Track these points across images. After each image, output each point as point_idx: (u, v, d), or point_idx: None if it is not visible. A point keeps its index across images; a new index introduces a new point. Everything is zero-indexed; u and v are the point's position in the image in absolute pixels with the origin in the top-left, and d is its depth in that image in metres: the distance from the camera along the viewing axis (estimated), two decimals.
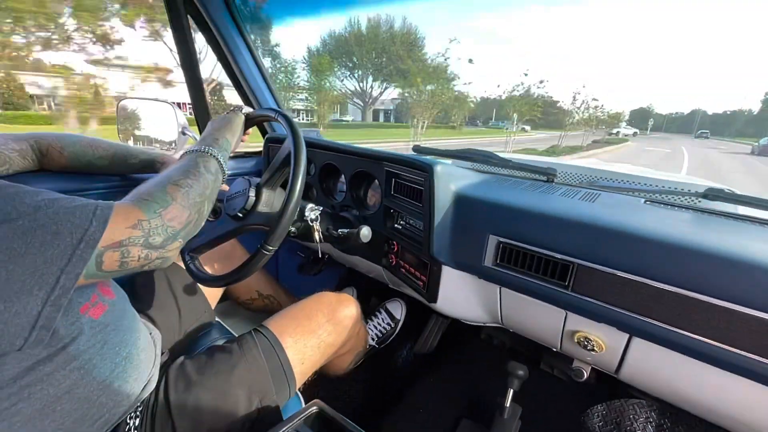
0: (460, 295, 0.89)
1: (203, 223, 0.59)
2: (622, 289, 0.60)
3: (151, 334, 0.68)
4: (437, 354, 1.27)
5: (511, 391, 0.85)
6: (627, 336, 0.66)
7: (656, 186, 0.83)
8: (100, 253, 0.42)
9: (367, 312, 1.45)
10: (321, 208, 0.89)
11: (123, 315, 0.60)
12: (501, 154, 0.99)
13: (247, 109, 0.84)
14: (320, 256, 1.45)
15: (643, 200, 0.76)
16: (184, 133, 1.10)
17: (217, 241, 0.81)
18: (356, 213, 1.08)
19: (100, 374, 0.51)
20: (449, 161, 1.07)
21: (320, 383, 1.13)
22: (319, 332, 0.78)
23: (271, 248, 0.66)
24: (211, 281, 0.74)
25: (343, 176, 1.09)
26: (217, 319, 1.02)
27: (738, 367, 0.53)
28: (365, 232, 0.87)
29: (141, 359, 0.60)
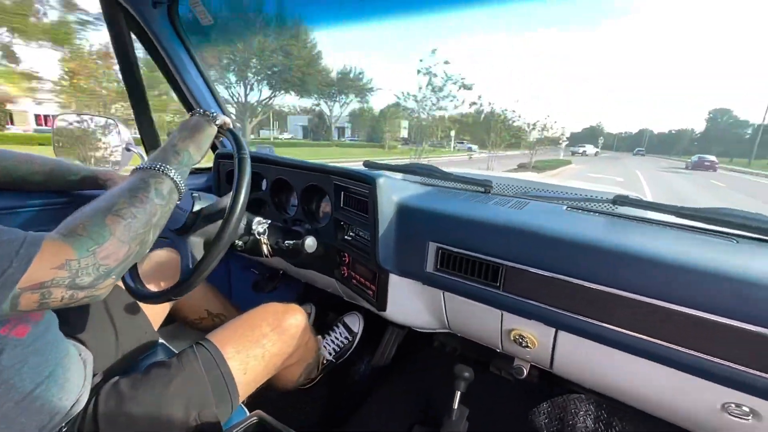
0: (408, 302, 0.93)
1: (146, 252, 0.54)
2: (546, 286, 0.66)
3: (81, 354, 0.65)
4: (393, 365, 1.28)
5: (459, 393, 0.88)
6: (554, 330, 0.72)
7: (578, 194, 0.92)
8: (17, 294, 0.39)
9: (325, 327, 1.45)
10: (269, 222, 0.89)
11: (48, 334, 0.57)
12: (443, 168, 1.06)
13: (224, 119, 0.74)
14: (276, 272, 1.44)
15: (565, 207, 0.84)
16: (128, 149, 1.07)
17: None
18: (308, 226, 1.09)
19: (20, 393, 0.49)
20: (396, 175, 1.12)
21: (270, 397, 1.09)
22: (263, 342, 0.77)
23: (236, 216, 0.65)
24: (151, 297, 0.72)
25: (295, 191, 1.11)
26: (161, 340, 0.97)
27: (653, 354, 0.59)
28: (309, 242, 0.89)
29: (67, 378, 0.57)
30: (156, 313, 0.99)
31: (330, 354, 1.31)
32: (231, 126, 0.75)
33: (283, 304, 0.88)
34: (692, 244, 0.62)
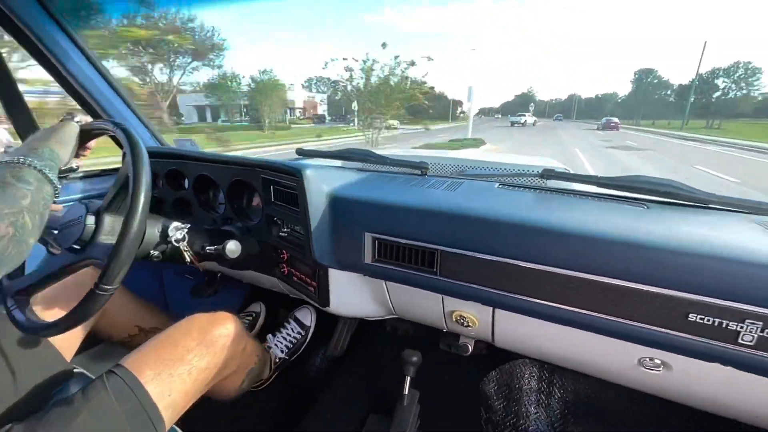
0: (352, 295, 0.90)
1: (27, 243, 0.50)
2: (479, 268, 0.66)
3: None
4: (348, 355, 1.27)
5: (408, 378, 0.88)
6: (491, 309, 0.74)
7: (509, 170, 0.93)
8: None
9: (277, 324, 1.39)
10: (187, 226, 0.81)
11: None
12: (378, 152, 1.02)
13: (82, 118, 0.73)
14: (214, 275, 1.34)
15: (497, 185, 0.85)
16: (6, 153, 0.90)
17: (49, 280, 0.68)
18: (240, 225, 1.01)
19: None
20: (329, 163, 1.07)
21: (215, 408, 1.04)
22: (188, 358, 0.71)
23: (107, 288, 0.57)
24: (42, 329, 0.62)
25: (221, 188, 1.02)
26: (77, 368, 0.86)
27: (578, 323, 0.61)
28: (231, 247, 0.82)
29: None
30: (69, 339, 0.87)
31: (282, 352, 1.27)
32: (87, 126, 0.72)
33: (209, 314, 0.81)
34: (607, 214, 0.65)
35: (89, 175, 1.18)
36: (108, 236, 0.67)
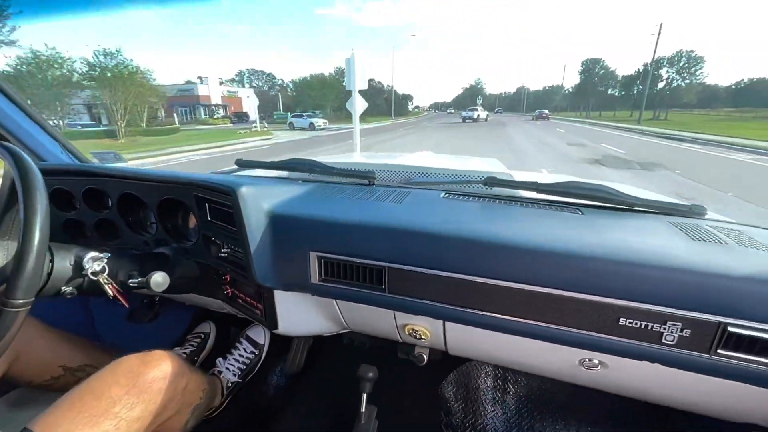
0: (302, 315, 0.86)
1: None
2: (426, 283, 0.65)
3: None
4: (306, 370, 1.23)
5: (364, 395, 0.87)
6: (441, 322, 0.73)
7: (455, 177, 0.94)
8: None
9: (228, 345, 1.31)
10: (107, 255, 0.72)
11: None
12: (324, 161, 0.98)
13: None
14: (152, 298, 1.23)
15: (443, 194, 0.85)
16: None
17: None
18: (175, 246, 0.93)
19: None
20: (272, 174, 1.01)
21: None
22: (115, 410, 0.63)
23: (17, 302, 0.50)
24: None
25: (150, 207, 0.92)
26: None
27: (524, 332, 0.62)
28: (158, 280, 0.75)
29: None
30: None
31: (235, 375, 1.20)
32: None
33: (139, 356, 0.73)
34: (545, 223, 0.67)
35: None
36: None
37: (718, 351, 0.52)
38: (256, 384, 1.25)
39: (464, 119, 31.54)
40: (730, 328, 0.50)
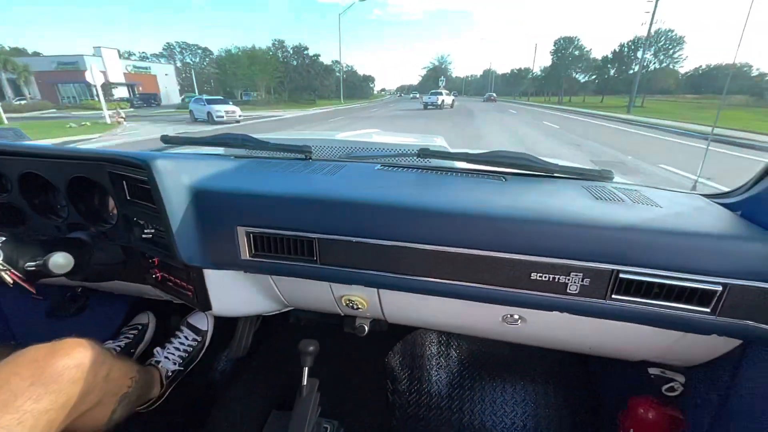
0: (237, 294, 0.84)
1: None
2: (355, 252, 0.66)
3: None
4: (252, 353, 1.21)
5: (306, 368, 0.87)
6: (375, 290, 0.75)
7: (391, 150, 0.94)
8: None
9: (168, 334, 1.25)
10: (1, 239, 0.65)
11: None
12: (258, 136, 0.94)
13: None
14: (74, 289, 1.14)
15: (378, 166, 0.85)
16: None
17: None
18: (93, 230, 0.85)
19: None
20: (202, 151, 0.95)
21: None
22: (17, 404, 0.57)
23: None
24: None
25: (58, 188, 0.83)
26: None
27: (448, 292, 0.65)
28: (59, 260, 0.69)
29: None
30: None
31: (175, 363, 1.15)
32: None
33: (46, 345, 0.67)
34: (469, 189, 0.70)
35: None
36: None
37: (613, 296, 0.58)
38: (200, 371, 1.21)
39: (426, 105, 24.90)
40: (621, 275, 0.56)
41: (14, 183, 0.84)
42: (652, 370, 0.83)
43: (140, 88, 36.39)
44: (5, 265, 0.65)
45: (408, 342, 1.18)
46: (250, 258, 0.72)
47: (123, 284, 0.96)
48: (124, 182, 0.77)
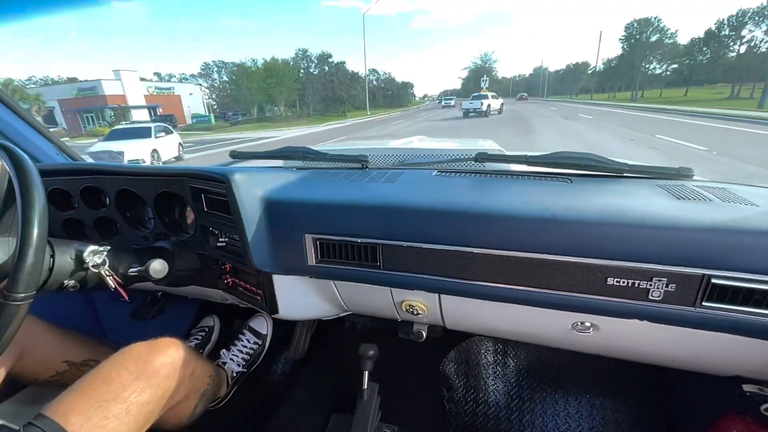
0: (301, 299, 0.88)
1: None
2: (419, 257, 0.67)
3: None
4: (309, 356, 1.25)
5: (366, 372, 0.89)
6: (437, 295, 0.75)
7: (447, 155, 0.95)
8: None
9: (232, 336, 1.33)
10: (106, 248, 0.73)
11: None
12: (317, 147, 0.99)
13: None
14: (155, 294, 1.25)
15: (435, 172, 0.86)
16: None
17: None
18: (174, 239, 0.94)
19: None
20: (267, 164, 1.02)
21: None
22: (125, 395, 0.65)
23: (19, 295, 0.52)
24: None
25: (147, 202, 0.93)
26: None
27: (516, 299, 0.64)
28: (157, 267, 0.76)
29: None
30: None
31: (239, 365, 1.22)
32: None
33: (147, 343, 0.75)
34: (533, 193, 0.68)
35: None
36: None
37: (703, 303, 0.53)
38: (261, 373, 1.27)
39: (466, 113, 20.08)
40: (713, 280, 0.51)
41: (112, 199, 0.95)
42: (747, 387, 0.75)
43: (161, 110, 34.46)
44: (110, 271, 0.73)
45: (463, 349, 1.17)
46: (317, 264, 0.76)
47: (196, 289, 1.05)
48: (203, 195, 0.85)
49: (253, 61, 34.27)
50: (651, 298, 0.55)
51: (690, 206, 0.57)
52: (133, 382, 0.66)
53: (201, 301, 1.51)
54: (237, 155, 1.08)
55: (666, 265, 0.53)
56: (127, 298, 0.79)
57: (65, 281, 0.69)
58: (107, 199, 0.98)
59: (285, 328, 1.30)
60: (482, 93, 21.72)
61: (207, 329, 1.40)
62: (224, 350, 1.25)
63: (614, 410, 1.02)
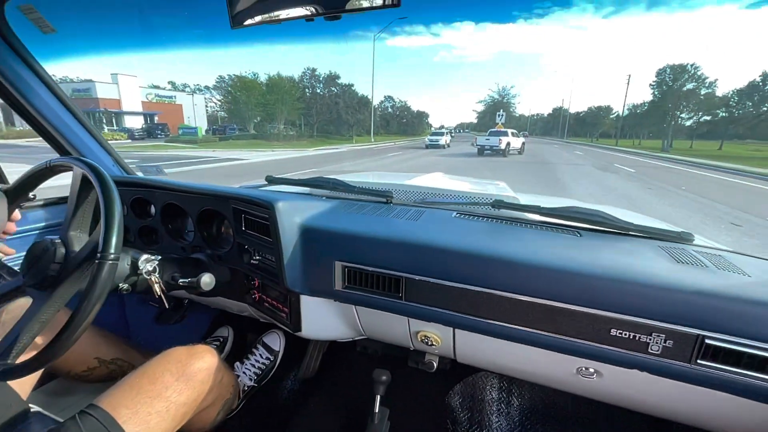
0: (323, 319, 0.94)
1: None
2: (439, 293, 0.74)
3: None
4: (319, 376, 1.29)
5: (378, 396, 0.93)
6: (451, 329, 0.81)
7: (466, 198, 1.03)
8: None
9: (244, 350, 1.39)
10: (158, 258, 0.82)
11: None
12: (344, 179, 1.08)
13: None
14: (180, 301, 1.32)
15: (454, 213, 0.94)
16: None
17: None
18: (210, 252, 1.02)
19: None
20: (298, 190, 1.11)
21: None
22: (166, 394, 0.71)
23: (111, 254, 0.59)
24: (12, 372, 0.61)
25: (189, 216, 1.03)
26: (34, 407, 0.83)
27: (526, 340, 0.70)
28: (206, 280, 0.84)
29: None
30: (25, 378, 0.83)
31: (251, 379, 1.27)
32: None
33: (187, 348, 0.82)
34: (546, 242, 0.75)
35: (47, 204, 1.14)
36: (78, 270, 0.67)
37: (698, 361, 0.58)
38: (270, 389, 1.31)
39: (481, 150, 17.60)
40: (707, 340, 0.57)
41: (158, 210, 1.05)
42: None
43: (157, 118, 32.61)
44: (158, 278, 0.81)
45: (468, 384, 1.20)
46: (343, 289, 0.83)
47: (221, 300, 1.12)
48: (243, 216, 0.94)
49: (254, 74, 32.00)
50: (650, 351, 0.60)
51: (686, 270, 0.63)
52: (173, 383, 0.73)
53: (216, 311, 1.57)
54: (272, 180, 1.18)
55: (664, 322, 0.58)
56: (167, 305, 0.86)
57: (120, 284, 0.77)
58: (153, 210, 1.07)
59: (296, 347, 1.35)
60: (500, 129, 19.64)
61: (222, 339, 1.46)
62: (238, 363, 1.30)
63: None
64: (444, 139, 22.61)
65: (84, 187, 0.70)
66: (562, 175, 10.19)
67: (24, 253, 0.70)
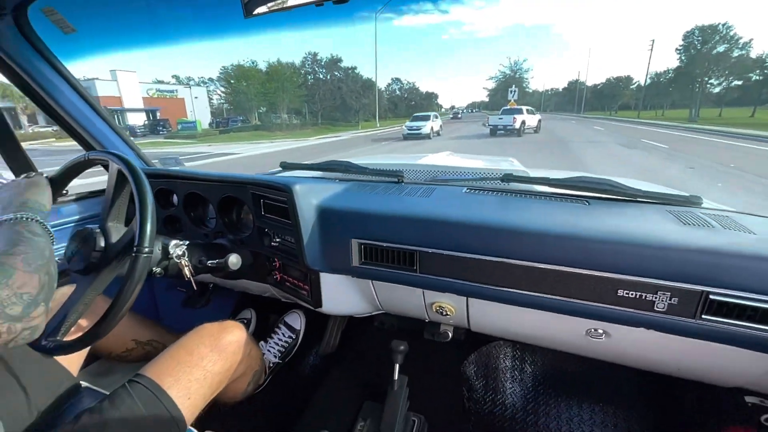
0: (342, 295, 0.99)
1: (54, 285, 0.57)
2: (452, 264, 0.77)
3: None
4: (340, 351, 1.36)
5: (397, 365, 0.99)
6: (465, 298, 0.85)
7: (475, 174, 1.05)
8: None
9: (267, 330, 1.46)
10: (186, 243, 0.87)
11: None
12: (356, 161, 1.12)
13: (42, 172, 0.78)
14: (206, 286, 1.39)
15: (464, 190, 0.96)
16: None
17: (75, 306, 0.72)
18: (231, 237, 1.08)
19: None
20: (312, 174, 1.15)
21: (219, 412, 1.11)
22: (203, 364, 0.78)
23: (146, 248, 0.64)
24: (62, 349, 0.67)
25: (211, 204, 1.08)
26: (85, 384, 0.91)
27: (536, 304, 0.73)
28: (233, 260, 0.89)
29: None
30: (74, 356, 0.91)
31: (276, 356, 1.34)
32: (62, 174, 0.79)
33: (218, 323, 0.88)
34: (554, 212, 0.78)
35: (80, 198, 1.20)
36: (118, 257, 0.72)
37: (703, 316, 0.61)
38: (294, 365, 1.39)
39: (494, 130, 16.42)
40: (711, 296, 0.60)
41: (180, 199, 1.10)
42: (749, 398, 0.81)
43: (159, 113, 32.08)
44: (188, 261, 0.87)
45: (483, 353, 1.25)
46: (360, 265, 0.87)
47: (243, 282, 1.18)
48: (261, 201, 0.98)
49: (253, 62, 30.79)
50: (656, 309, 0.64)
51: (693, 231, 0.65)
52: (208, 354, 0.80)
53: (239, 294, 1.65)
54: (286, 166, 1.22)
55: (669, 280, 0.61)
56: (195, 287, 0.92)
57: (154, 268, 0.83)
58: (176, 199, 1.13)
59: (317, 325, 1.42)
60: (514, 107, 18.07)
61: (245, 321, 1.54)
62: (262, 342, 1.37)
63: (626, 419, 1.08)
64: (429, 126, 16.69)
65: (120, 181, 0.75)
66: (582, 158, 8.80)
67: (65, 243, 0.76)
